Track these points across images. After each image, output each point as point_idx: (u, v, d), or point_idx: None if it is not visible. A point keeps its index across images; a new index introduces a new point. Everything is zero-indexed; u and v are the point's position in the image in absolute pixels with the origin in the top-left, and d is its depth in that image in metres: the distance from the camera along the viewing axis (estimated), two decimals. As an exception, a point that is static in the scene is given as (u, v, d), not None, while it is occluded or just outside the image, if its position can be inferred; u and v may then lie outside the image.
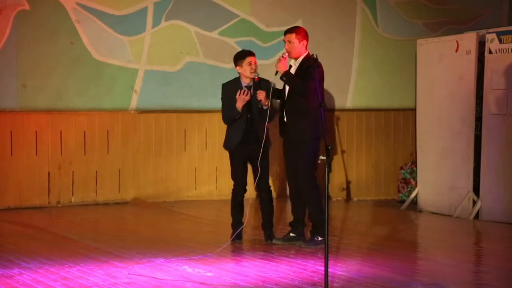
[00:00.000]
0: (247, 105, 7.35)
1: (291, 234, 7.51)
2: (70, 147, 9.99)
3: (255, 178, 7.49)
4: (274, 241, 7.49)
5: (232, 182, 7.61)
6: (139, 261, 6.60)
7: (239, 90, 7.33)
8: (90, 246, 7.27)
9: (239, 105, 7.32)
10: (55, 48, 9.91)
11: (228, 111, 7.46)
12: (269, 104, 7.32)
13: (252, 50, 10.35)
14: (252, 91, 7.35)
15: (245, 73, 7.40)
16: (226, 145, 7.59)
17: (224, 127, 10.52)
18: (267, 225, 7.59)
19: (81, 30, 10.00)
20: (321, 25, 10.85)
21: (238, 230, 7.43)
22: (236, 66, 7.50)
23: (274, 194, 8.85)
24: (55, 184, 9.92)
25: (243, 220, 7.50)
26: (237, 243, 7.40)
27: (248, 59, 7.38)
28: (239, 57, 7.46)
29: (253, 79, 7.39)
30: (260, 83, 7.37)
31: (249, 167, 7.62)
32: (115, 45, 10.18)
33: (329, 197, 10.42)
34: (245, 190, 7.55)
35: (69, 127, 9.98)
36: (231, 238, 7.41)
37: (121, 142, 10.25)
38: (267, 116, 7.30)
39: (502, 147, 8.77)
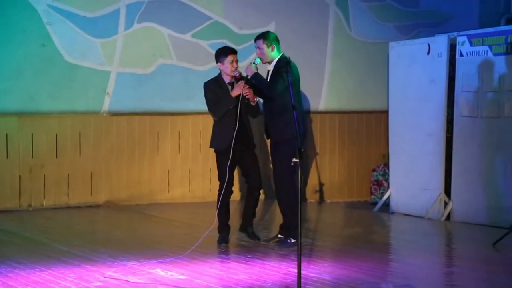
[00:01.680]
0: (236, 103, 7.29)
1: (279, 236, 7.52)
2: (41, 150, 9.91)
3: (247, 179, 7.51)
4: (262, 242, 7.52)
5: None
6: (111, 264, 6.56)
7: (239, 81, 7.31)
8: (62, 250, 7.21)
9: (236, 93, 7.25)
10: (26, 50, 9.83)
11: (217, 104, 7.35)
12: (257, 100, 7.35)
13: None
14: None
15: (226, 70, 7.39)
16: (215, 145, 7.46)
17: (197, 129, 10.61)
18: (249, 220, 7.63)
19: (52, 32, 9.93)
20: (294, 27, 10.88)
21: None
22: (217, 62, 7.46)
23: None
24: (26, 188, 9.84)
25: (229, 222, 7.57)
26: (223, 247, 7.41)
27: (230, 57, 7.36)
28: (221, 54, 7.42)
29: (234, 76, 7.38)
30: (243, 80, 7.34)
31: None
32: (87, 47, 10.11)
33: (303, 200, 10.49)
34: (232, 191, 7.52)
35: (40, 130, 9.91)
36: (218, 241, 7.47)
37: (93, 145, 10.19)
38: (254, 112, 7.38)
39: (473, 149, 8.85)
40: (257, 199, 7.62)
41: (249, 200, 7.62)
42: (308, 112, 10.91)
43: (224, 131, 7.35)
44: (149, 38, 10.41)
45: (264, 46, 7.39)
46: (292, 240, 7.31)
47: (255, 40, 7.46)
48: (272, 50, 7.39)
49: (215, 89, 7.40)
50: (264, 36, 7.42)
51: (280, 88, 7.22)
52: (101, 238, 8.12)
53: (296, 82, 7.33)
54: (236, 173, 7.80)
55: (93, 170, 10.18)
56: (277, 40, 7.45)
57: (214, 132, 7.52)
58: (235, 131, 7.24)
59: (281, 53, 7.44)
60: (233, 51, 7.43)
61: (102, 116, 10.24)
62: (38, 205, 9.90)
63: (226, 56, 7.38)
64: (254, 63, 7.32)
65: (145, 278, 6.09)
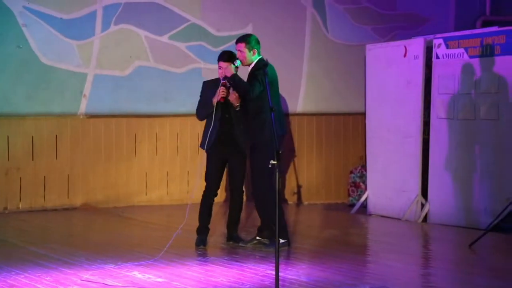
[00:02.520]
0: (225, 105, 7.33)
1: (257, 238, 7.52)
2: (17, 152, 9.84)
3: (230, 179, 7.51)
4: (240, 244, 7.51)
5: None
6: (88, 267, 6.52)
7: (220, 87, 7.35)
8: (38, 253, 7.16)
9: (215, 99, 7.30)
10: (2, 52, 9.75)
11: (202, 106, 7.47)
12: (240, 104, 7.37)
13: (202, 54, 10.47)
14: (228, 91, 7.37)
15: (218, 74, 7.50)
16: (202, 145, 7.54)
17: (174, 132, 10.60)
18: (234, 227, 7.63)
19: (29, 34, 9.86)
20: (271, 30, 10.89)
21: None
22: None
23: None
24: (2, 190, 9.76)
25: (208, 224, 7.53)
26: (201, 249, 7.39)
27: (220, 63, 7.42)
28: (218, 58, 7.50)
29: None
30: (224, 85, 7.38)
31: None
32: (63, 49, 10.05)
33: (283, 201, 10.50)
34: (216, 194, 7.54)
35: (16, 132, 9.83)
36: (196, 243, 7.45)
37: (70, 147, 10.13)
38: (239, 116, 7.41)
39: (450, 151, 8.91)
40: (240, 205, 7.62)
41: (232, 205, 7.63)
42: (286, 114, 10.92)
43: (208, 132, 7.42)
44: (126, 40, 10.37)
45: (246, 50, 7.41)
46: (281, 241, 7.31)
47: (236, 43, 7.47)
48: (254, 54, 7.42)
49: (209, 89, 7.46)
50: (246, 40, 7.43)
51: (257, 90, 7.25)
52: (78, 241, 8.08)
53: (274, 83, 7.36)
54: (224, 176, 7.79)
55: (70, 173, 10.12)
56: (258, 44, 7.47)
57: (203, 133, 7.60)
58: (219, 132, 7.32)
59: (260, 56, 7.46)
60: (223, 59, 7.42)
61: (79, 118, 10.18)
62: (14, 208, 9.82)
63: (218, 61, 7.47)
64: (234, 64, 7.34)
65: (122, 281, 6.07)
